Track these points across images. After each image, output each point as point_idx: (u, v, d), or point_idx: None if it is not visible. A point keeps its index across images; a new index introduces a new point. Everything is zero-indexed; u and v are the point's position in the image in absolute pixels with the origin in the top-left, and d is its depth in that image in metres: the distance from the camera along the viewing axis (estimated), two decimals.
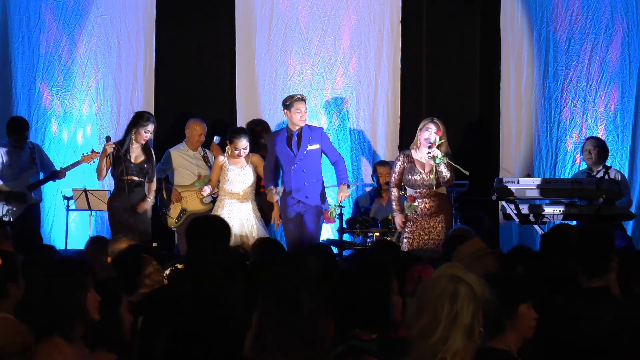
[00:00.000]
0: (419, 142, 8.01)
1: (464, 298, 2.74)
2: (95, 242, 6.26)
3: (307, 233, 8.53)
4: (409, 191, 8.05)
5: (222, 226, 4.75)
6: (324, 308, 2.97)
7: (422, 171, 7.93)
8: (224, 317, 3.70)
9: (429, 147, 7.80)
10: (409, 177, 7.96)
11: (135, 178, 8.55)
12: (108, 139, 8.67)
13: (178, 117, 9.74)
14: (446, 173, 7.82)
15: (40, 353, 3.38)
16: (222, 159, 8.52)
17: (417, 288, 2.90)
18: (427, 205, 7.89)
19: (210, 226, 4.73)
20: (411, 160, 7.99)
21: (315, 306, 2.93)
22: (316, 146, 8.52)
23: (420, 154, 7.99)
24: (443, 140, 7.87)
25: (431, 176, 7.88)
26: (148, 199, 8.59)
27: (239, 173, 8.49)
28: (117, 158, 8.53)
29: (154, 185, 8.70)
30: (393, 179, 8.07)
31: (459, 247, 4.78)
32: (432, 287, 2.79)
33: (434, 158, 7.76)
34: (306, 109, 8.53)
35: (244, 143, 8.45)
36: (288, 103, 8.51)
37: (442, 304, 2.74)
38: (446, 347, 2.71)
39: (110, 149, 8.51)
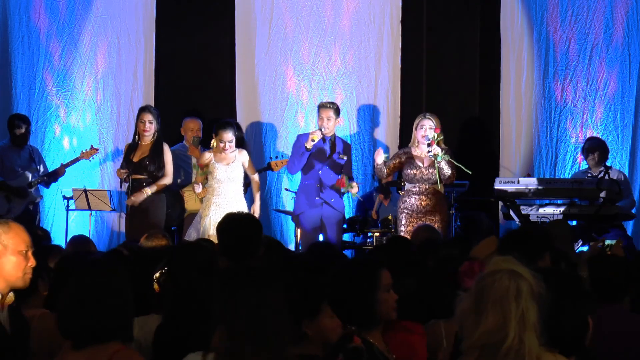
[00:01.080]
0: (416, 141, 8.02)
1: (527, 295, 2.62)
2: (78, 242, 6.27)
3: (328, 237, 8.46)
4: (408, 186, 8.01)
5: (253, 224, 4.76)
6: (283, 308, 2.83)
7: (422, 165, 7.92)
8: (198, 313, 3.70)
9: (429, 145, 7.79)
10: (408, 171, 7.93)
11: (139, 176, 8.53)
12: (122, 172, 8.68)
13: (178, 116, 9.73)
14: (447, 170, 7.81)
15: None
16: (208, 155, 8.25)
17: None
18: (423, 203, 7.85)
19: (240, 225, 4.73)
20: (410, 156, 8.00)
21: (271, 306, 2.79)
22: (345, 157, 8.51)
23: (419, 151, 7.99)
24: (441, 137, 7.86)
25: (431, 170, 7.85)
26: (143, 191, 8.46)
27: (225, 170, 8.22)
28: (126, 159, 8.59)
29: (162, 181, 8.57)
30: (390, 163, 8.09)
31: (475, 247, 4.77)
32: (494, 286, 2.65)
33: (435, 156, 7.75)
34: (330, 116, 8.36)
35: (229, 136, 8.18)
36: (318, 107, 8.54)
37: (508, 304, 2.61)
38: (526, 350, 2.59)
39: (122, 175, 8.56)
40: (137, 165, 8.53)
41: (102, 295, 3.13)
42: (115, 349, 3.10)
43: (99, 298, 3.12)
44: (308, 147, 8.31)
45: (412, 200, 7.91)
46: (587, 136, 9.51)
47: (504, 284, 2.65)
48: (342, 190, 8.41)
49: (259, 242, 4.62)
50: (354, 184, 8.42)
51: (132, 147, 8.65)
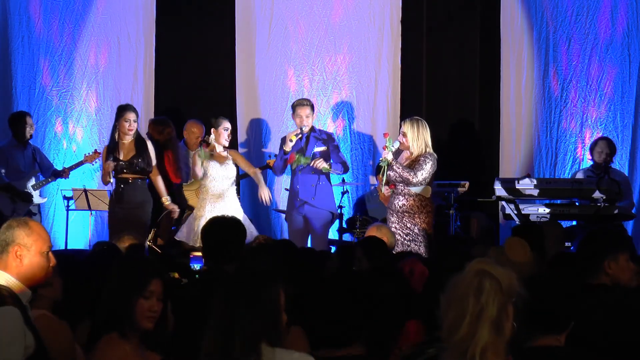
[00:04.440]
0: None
1: (489, 292, 2.72)
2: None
3: (314, 239, 8.45)
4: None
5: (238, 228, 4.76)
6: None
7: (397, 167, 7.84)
8: None
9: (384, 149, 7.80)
10: (389, 172, 7.84)
11: (128, 175, 8.50)
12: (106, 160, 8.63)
13: (178, 117, 9.72)
14: (402, 173, 7.69)
15: (99, 346, 3.46)
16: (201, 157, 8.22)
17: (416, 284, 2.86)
18: (400, 203, 7.78)
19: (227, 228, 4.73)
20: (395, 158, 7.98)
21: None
22: (323, 148, 8.49)
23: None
24: (395, 145, 7.76)
25: (389, 173, 7.76)
26: (166, 199, 8.53)
27: (220, 169, 8.21)
28: (109, 158, 8.51)
29: (161, 182, 8.55)
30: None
31: (508, 250, 4.80)
32: (459, 283, 2.77)
33: (382, 161, 7.73)
34: (308, 114, 8.47)
35: (228, 124, 8.28)
36: (293, 106, 8.54)
37: (467, 299, 2.72)
38: (474, 341, 2.69)
39: (110, 167, 8.49)
40: (127, 164, 8.46)
41: (107, 291, 3.48)
42: (109, 338, 3.42)
43: (105, 294, 3.49)
44: (287, 149, 8.35)
45: (392, 199, 7.87)
46: (587, 136, 9.52)
47: (466, 282, 2.75)
48: (292, 167, 8.39)
49: (240, 246, 4.62)
50: (316, 161, 8.32)
51: (112, 148, 8.53)
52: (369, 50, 10.06)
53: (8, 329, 3.25)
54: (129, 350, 3.43)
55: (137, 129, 8.56)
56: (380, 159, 7.78)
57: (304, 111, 8.45)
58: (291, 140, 8.32)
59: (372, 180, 9.81)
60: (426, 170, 7.71)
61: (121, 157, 8.45)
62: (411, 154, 7.83)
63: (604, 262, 4.31)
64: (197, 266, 6.21)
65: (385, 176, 7.72)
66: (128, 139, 8.51)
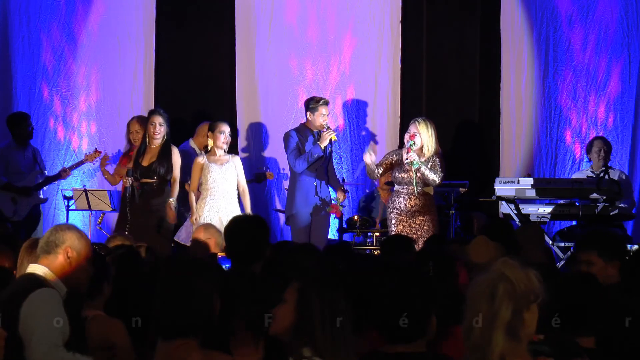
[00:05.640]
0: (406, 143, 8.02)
1: (502, 297, 2.67)
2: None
3: (318, 237, 8.42)
4: (397, 187, 8.00)
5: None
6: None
7: (409, 169, 7.87)
8: None
9: (407, 152, 7.80)
10: (397, 174, 7.91)
11: (149, 180, 8.44)
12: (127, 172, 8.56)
13: (178, 117, 9.72)
14: (428, 175, 7.77)
15: (172, 352, 3.31)
16: (200, 159, 8.21)
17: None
18: (412, 203, 7.84)
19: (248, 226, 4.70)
20: (401, 159, 7.98)
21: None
22: (330, 149, 8.55)
23: (405, 155, 7.96)
24: (417, 146, 7.80)
25: (412, 175, 7.81)
26: (170, 201, 8.32)
27: (220, 171, 8.16)
28: (134, 162, 8.50)
29: (175, 187, 8.42)
30: (378, 160, 8.07)
31: (471, 250, 4.74)
32: (473, 287, 2.75)
33: (410, 163, 7.75)
34: (329, 112, 8.54)
35: (228, 128, 8.25)
36: (312, 106, 8.46)
37: (479, 304, 2.69)
38: (491, 348, 2.65)
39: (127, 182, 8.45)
40: (146, 169, 8.44)
41: (186, 294, 3.29)
42: (188, 345, 3.24)
43: (180, 298, 3.28)
44: (323, 146, 8.32)
45: (401, 200, 7.90)
46: (587, 136, 9.52)
47: (481, 285, 2.72)
48: (337, 213, 8.49)
49: (266, 245, 4.58)
50: (340, 196, 8.49)
51: (140, 151, 8.54)
52: (369, 50, 10.06)
53: (51, 305, 3.37)
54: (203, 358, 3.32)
55: (166, 134, 8.50)
56: (410, 161, 7.77)
57: (327, 109, 8.50)
58: (331, 139, 8.37)
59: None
60: (442, 170, 7.84)
61: (144, 162, 8.43)
62: (423, 154, 7.87)
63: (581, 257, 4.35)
64: (225, 267, 6.19)
65: (415, 178, 7.77)
66: (155, 143, 8.47)
